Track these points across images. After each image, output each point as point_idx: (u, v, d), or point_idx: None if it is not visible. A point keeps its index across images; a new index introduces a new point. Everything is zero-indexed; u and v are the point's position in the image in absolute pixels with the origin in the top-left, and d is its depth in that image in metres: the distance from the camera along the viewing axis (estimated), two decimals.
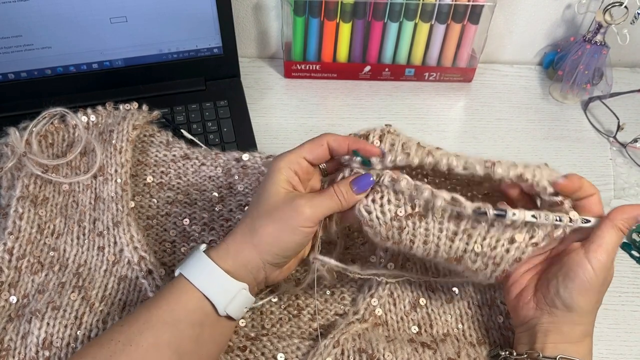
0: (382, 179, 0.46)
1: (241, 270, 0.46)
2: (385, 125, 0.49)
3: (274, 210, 0.46)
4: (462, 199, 0.44)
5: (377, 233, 0.48)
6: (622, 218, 0.46)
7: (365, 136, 0.49)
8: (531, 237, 0.46)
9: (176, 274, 0.47)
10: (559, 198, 0.46)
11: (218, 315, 0.46)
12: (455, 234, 0.46)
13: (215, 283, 0.45)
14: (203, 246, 0.48)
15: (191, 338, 0.44)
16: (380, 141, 0.48)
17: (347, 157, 0.48)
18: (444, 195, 0.44)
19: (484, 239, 0.46)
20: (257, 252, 0.46)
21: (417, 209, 0.46)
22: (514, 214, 0.44)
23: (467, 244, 0.46)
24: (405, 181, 0.45)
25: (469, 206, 0.44)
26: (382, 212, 0.47)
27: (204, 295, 0.45)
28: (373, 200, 0.47)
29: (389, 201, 0.46)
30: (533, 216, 0.44)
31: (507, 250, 0.46)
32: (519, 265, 0.49)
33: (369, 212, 0.47)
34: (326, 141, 0.48)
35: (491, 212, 0.44)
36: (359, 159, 0.48)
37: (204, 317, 0.45)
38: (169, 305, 0.44)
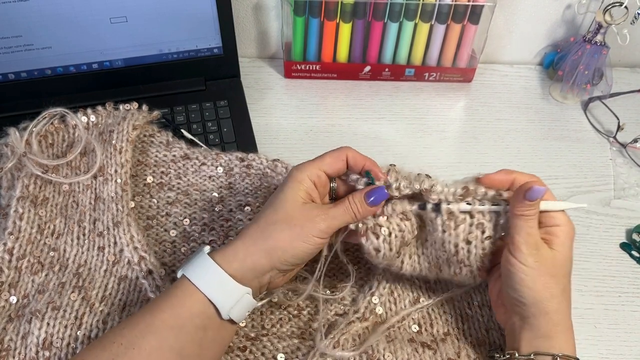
0: (385, 209, 0.49)
1: (247, 274, 0.46)
2: (390, 165, 0.51)
3: (291, 217, 0.46)
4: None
5: (376, 262, 0.51)
6: (515, 204, 0.46)
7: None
8: (483, 232, 0.48)
9: (178, 275, 0.47)
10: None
11: (221, 319, 0.46)
12: (424, 243, 0.51)
13: (219, 287, 0.45)
14: (207, 248, 0.48)
15: (194, 341, 0.44)
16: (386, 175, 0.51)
17: (355, 177, 0.50)
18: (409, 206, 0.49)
19: (443, 246, 0.49)
20: (267, 258, 0.46)
21: (413, 235, 0.50)
22: (448, 203, 0.47)
23: (435, 250, 0.50)
24: (399, 205, 0.49)
25: (416, 204, 0.49)
26: (390, 249, 0.49)
27: (208, 299, 0.45)
28: (384, 240, 0.49)
29: (395, 236, 0.49)
30: (467, 203, 0.47)
31: (468, 251, 0.48)
32: (492, 273, 0.51)
33: (378, 251, 0.49)
34: (346, 155, 0.49)
35: (429, 205, 0.48)
36: (364, 179, 0.49)
37: (207, 321, 0.45)
38: (172, 308, 0.44)
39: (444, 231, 0.48)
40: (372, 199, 0.47)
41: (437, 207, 0.48)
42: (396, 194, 0.48)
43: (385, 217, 0.49)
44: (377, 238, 0.49)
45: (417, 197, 0.50)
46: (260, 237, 0.46)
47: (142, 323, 0.44)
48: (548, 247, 0.46)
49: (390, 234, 0.49)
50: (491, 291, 0.52)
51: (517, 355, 0.46)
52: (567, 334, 0.46)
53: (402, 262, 0.51)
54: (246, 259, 0.46)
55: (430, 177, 0.49)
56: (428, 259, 0.51)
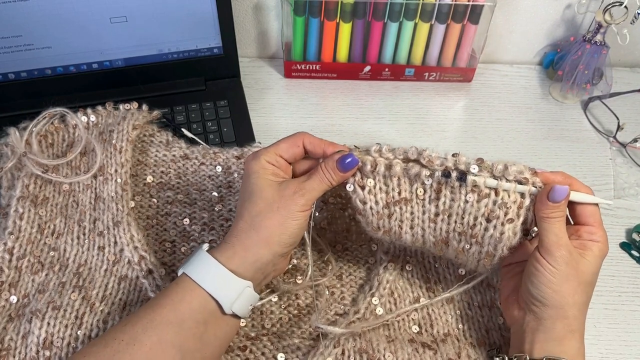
0: (377, 167, 0.48)
1: (250, 268, 0.47)
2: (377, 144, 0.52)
3: (271, 203, 0.47)
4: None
5: (369, 222, 0.50)
6: (539, 206, 0.46)
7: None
8: (505, 214, 0.47)
9: (179, 273, 0.47)
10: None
11: (222, 314, 0.46)
12: (437, 214, 0.49)
13: (221, 282, 0.46)
14: (205, 246, 0.48)
15: (195, 336, 0.44)
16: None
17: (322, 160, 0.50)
18: (424, 170, 0.47)
19: (462, 217, 0.48)
20: (267, 247, 0.47)
21: (403, 195, 0.49)
22: (474, 175, 0.47)
23: (448, 224, 0.49)
24: (399, 165, 0.48)
25: (438, 169, 0.47)
26: (376, 202, 0.49)
27: (209, 294, 0.45)
28: (369, 192, 0.49)
29: (380, 189, 0.49)
30: (494, 177, 0.46)
31: (485, 229, 0.47)
32: (507, 271, 0.52)
33: (364, 203, 0.49)
34: (302, 142, 0.49)
35: (454, 174, 0.47)
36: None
37: (207, 316, 0.45)
38: (173, 304, 0.45)
39: (466, 201, 0.47)
40: (343, 164, 0.47)
41: (461, 177, 0.47)
42: (376, 155, 0.49)
43: (373, 168, 0.48)
44: (363, 189, 0.49)
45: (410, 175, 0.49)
46: (251, 230, 0.47)
47: (143, 319, 0.44)
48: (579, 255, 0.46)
49: (375, 185, 0.49)
50: (504, 288, 0.52)
51: (528, 358, 0.46)
52: (580, 342, 0.46)
53: (401, 228, 0.50)
54: (247, 255, 0.46)
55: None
56: (435, 233, 0.50)
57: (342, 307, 0.56)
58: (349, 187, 0.49)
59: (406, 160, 0.49)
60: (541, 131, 0.81)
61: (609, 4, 0.76)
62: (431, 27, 0.80)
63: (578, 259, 0.45)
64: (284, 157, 0.49)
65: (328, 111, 0.82)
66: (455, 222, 0.48)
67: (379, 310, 0.55)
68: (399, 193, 0.49)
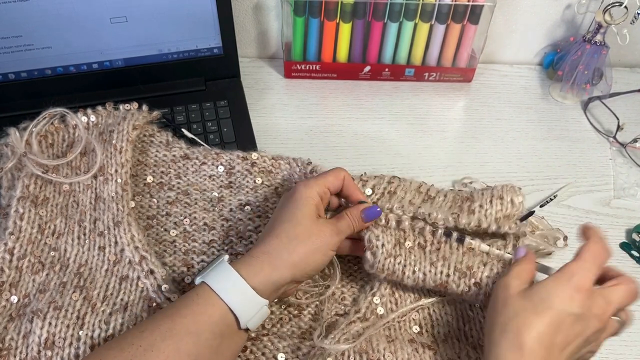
0: (390, 222, 0.54)
1: (270, 287, 0.48)
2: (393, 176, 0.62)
3: (310, 233, 0.50)
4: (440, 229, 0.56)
5: (376, 262, 0.53)
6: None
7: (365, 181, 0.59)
8: (499, 260, 0.54)
9: (197, 281, 0.48)
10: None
11: (237, 328, 0.47)
12: (437, 260, 0.54)
13: (243, 298, 0.46)
14: (226, 257, 0.49)
15: (211, 348, 0.45)
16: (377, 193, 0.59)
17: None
18: (428, 227, 0.55)
19: (461, 262, 0.54)
20: (291, 271, 0.48)
21: (410, 244, 0.54)
22: (471, 238, 0.55)
23: (448, 268, 0.53)
24: (407, 221, 0.55)
25: (441, 228, 0.55)
26: (388, 240, 0.54)
27: (230, 308, 0.46)
28: (382, 231, 0.54)
29: (390, 234, 0.55)
30: (488, 245, 0.55)
31: (483, 272, 0.53)
32: None
33: (377, 239, 0.54)
34: (343, 176, 0.54)
35: (455, 235, 0.55)
36: None
37: (225, 329, 0.46)
38: (193, 315, 0.45)
39: (463, 254, 0.54)
40: (367, 215, 0.53)
41: (460, 239, 0.54)
42: (387, 212, 0.55)
43: (386, 223, 0.55)
44: (377, 229, 0.54)
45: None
46: (284, 252, 0.48)
47: (162, 327, 0.44)
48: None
49: (387, 227, 0.55)
50: None
51: None
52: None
53: (404, 272, 0.53)
54: (272, 274, 0.48)
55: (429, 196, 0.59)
56: (435, 277, 0.53)
57: (343, 307, 0.57)
58: (363, 232, 0.54)
59: (414, 218, 0.55)
60: (541, 131, 0.81)
61: (609, 4, 0.76)
62: (431, 27, 0.80)
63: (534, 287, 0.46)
64: (330, 189, 0.53)
65: (328, 111, 0.82)
66: (455, 266, 0.53)
67: (380, 310, 0.55)
68: (405, 238, 0.55)
